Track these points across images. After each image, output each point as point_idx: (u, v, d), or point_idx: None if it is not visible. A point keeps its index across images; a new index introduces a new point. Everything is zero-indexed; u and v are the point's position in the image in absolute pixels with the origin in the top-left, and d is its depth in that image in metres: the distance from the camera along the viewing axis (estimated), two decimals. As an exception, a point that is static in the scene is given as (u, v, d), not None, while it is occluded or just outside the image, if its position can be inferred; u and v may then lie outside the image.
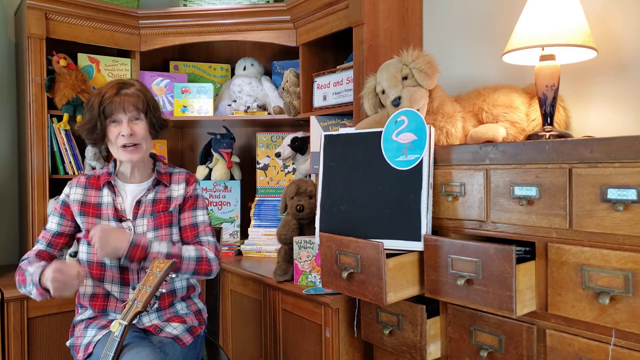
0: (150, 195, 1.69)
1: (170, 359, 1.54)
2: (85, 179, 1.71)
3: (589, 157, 1.20)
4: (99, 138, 1.65)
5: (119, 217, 1.64)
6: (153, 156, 1.78)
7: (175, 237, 1.68)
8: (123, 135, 1.61)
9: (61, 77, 2.37)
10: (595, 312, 1.19)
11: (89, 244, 1.61)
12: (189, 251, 1.60)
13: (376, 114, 1.79)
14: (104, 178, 1.69)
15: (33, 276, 1.49)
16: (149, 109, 1.67)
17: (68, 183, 1.71)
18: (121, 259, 1.51)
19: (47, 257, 1.62)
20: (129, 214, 1.66)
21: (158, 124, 1.70)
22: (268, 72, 2.85)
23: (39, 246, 1.63)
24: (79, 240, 1.67)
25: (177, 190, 1.72)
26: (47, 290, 1.46)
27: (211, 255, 1.64)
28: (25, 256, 1.62)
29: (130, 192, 1.69)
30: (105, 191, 1.68)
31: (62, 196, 1.68)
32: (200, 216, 1.72)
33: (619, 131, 1.62)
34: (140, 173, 1.71)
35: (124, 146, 1.62)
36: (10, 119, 2.59)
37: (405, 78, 1.66)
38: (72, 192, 1.67)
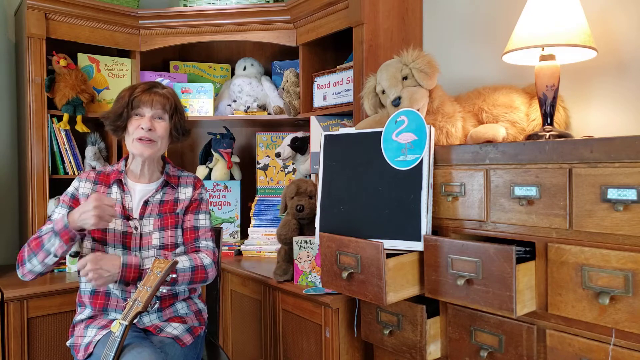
0: (158, 196, 1.70)
1: (171, 359, 1.54)
2: (95, 174, 1.71)
3: (589, 157, 1.20)
4: (121, 126, 1.67)
5: (126, 216, 1.65)
6: (163, 158, 1.79)
7: (180, 239, 1.69)
8: (142, 128, 1.62)
9: (61, 77, 2.37)
10: (595, 312, 1.19)
11: (94, 239, 1.61)
12: (183, 262, 1.59)
13: (376, 114, 1.79)
14: (114, 175, 1.70)
15: (56, 225, 1.49)
16: (175, 112, 1.70)
17: (77, 177, 1.71)
18: (116, 284, 1.51)
19: None
20: (136, 213, 1.66)
21: (181, 128, 1.73)
22: (268, 72, 2.86)
23: None
24: (83, 236, 1.66)
25: (185, 193, 1.73)
26: (80, 231, 1.49)
27: (207, 261, 1.64)
28: (26, 243, 1.59)
29: (139, 191, 1.70)
30: (115, 188, 1.69)
31: (71, 189, 1.69)
32: (202, 220, 1.72)
33: (619, 131, 1.62)
34: (150, 172, 1.72)
35: (140, 139, 1.63)
36: (10, 119, 2.59)
37: (405, 78, 1.66)
38: (82, 186, 1.68)
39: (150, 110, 1.64)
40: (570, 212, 1.24)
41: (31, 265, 1.54)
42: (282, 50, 2.84)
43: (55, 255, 1.51)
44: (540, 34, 1.47)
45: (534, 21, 1.50)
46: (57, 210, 1.66)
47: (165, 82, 2.69)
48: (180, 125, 1.72)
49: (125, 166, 1.74)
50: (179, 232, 1.68)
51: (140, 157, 1.66)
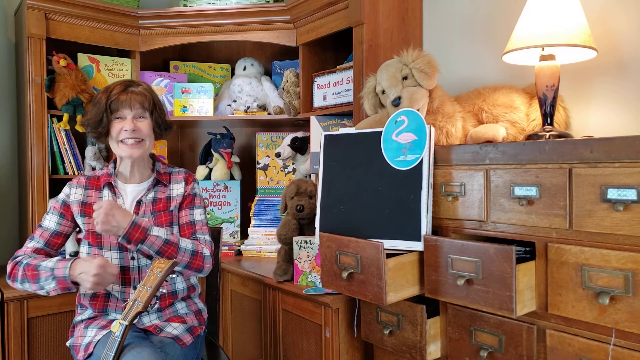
0: (150, 195, 1.69)
1: (171, 359, 1.54)
2: (85, 179, 1.71)
3: (589, 157, 1.20)
4: (103, 133, 1.66)
5: None
6: (152, 156, 1.78)
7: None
8: (126, 130, 1.61)
9: (61, 77, 2.37)
10: (595, 312, 1.19)
11: (89, 244, 1.61)
12: (187, 243, 1.59)
13: (376, 114, 1.79)
14: (104, 179, 1.70)
15: (56, 270, 1.49)
16: (155, 108, 1.69)
17: (68, 183, 1.71)
18: (119, 238, 1.51)
19: (44, 255, 1.61)
20: None
21: (163, 124, 1.72)
22: (268, 72, 2.86)
23: (36, 244, 1.61)
24: (79, 241, 1.67)
25: (177, 189, 1.73)
26: (74, 284, 1.49)
27: (206, 252, 1.64)
28: (20, 252, 1.59)
29: (130, 192, 1.70)
30: (106, 192, 1.68)
31: (62, 196, 1.68)
32: (197, 215, 1.72)
33: (619, 131, 1.62)
34: (140, 173, 1.71)
35: (123, 141, 1.62)
36: (10, 119, 2.59)
37: (405, 78, 1.66)
38: (73, 192, 1.67)
39: (131, 111, 1.63)
40: (570, 212, 1.24)
41: (22, 287, 1.56)
42: (282, 50, 2.84)
43: (48, 293, 1.53)
44: (540, 34, 1.47)
45: (534, 21, 1.50)
46: (47, 218, 1.65)
47: (165, 82, 2.71)
48: (162, 120, 1.72)
49: (115, 168, 1.73)
50: (175, 229, 1.68)
51: (130, 158, 1.65)
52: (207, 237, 1.70)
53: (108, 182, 1.69)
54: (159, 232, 1.55)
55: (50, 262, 1.52)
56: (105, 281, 1.47)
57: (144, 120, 1.65)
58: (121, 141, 1.63)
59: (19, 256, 1.58)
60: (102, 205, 1.48)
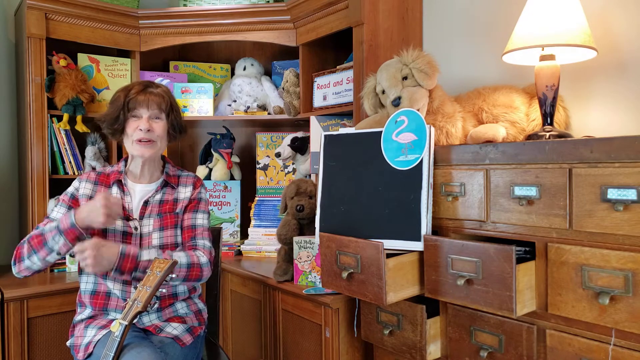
0: (158, 196, 1.70)
1: (171, 359, 1.54)
2: (95, 175, 1.72)
3: (589, 157, 1.20)
4: (118, 129, 1.67)
5: (126, 216, 1.65)
6: (163, 158, 1.79)
7: (180, 238, 1.69)
8: (141, 130, 1.63)
9: (61, 77, 2.37)
10: (595, 312, 1.19)
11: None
12: (180, 258, 1.57)
13: (376, 114, 1.79)
14: (114, 176, 1.70)
15: (61, 224, 1.49)
16: (172, 110, 1.70)
17: (77, 178, 1.72)
18: (111, 272, 1.49)
19: None
20: (136, 214, 1.67)
21: (178, 126, 1.73)
22: (268, 72, 2.86)
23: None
24: (92, 235, 1.66)
25: (184, 192, 1.73)
26: (85, 230, 1.49)
27: (203, 260, 1.63)
28: (24, 239, 1.58)
29: (139, 192, 1.70)
30: (115, 189, 1.69)
31: (71, 189, 1.69)
32: (200, 219, 1.72)
33: (619, 131, 1.62)
34: (150, 173, 1.72)
35: (139, 141, 1.63)
36: (10, 119, 2.59)
37: (405, 78, 1.66)
38: (82, 187, 1.68)
39: (147, 111, 1.65)
40: (570, 212, 1.24)
41: (30, 262, 1.53)
42: (282, 50, 2.84)
43: (59, 253, 1.52)
44: (540, 34, 1.47)
45: (534, 21, 1.50)
46: (56, 209, 1.66)
47: (165, 82, 2.70)
48: (177, 123, 1.73)
49: (125, 167, 1.74)
50: (179, 231, 1.68)
51: (142, 157, 1.67)
52: (207, 243, 1.70)
53: (117, 180, 1.69)
54: (150, 255, 1.54)
55: (53, 222, 1.54)
56: (114, 211, 1.48)
57: (159, 121, 1.67)
58: (135, 140, 1.64)
59: (22, 241, 1.58)
60: (86, 248, 1.44)
